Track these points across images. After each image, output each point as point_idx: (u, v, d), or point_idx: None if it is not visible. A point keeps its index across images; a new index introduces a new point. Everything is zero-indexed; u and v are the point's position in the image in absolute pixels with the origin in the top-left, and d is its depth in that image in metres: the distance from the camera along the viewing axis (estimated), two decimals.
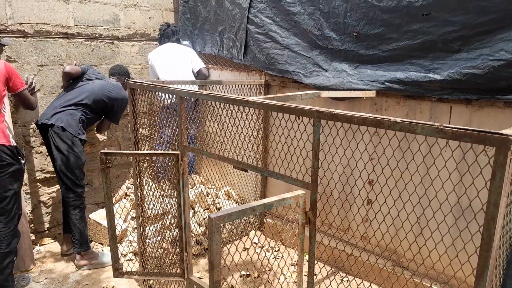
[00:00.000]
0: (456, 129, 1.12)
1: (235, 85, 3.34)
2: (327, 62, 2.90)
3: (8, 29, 3.19)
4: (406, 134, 1.44)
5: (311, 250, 1.68)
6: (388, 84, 2.56)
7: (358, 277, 2.87)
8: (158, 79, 3.78)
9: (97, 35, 3.74)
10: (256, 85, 3.45)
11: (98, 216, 3.46)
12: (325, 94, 2.39)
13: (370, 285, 1.88)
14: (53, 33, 3.45)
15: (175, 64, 3.85)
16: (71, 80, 3.31)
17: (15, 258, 2.66)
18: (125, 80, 3.53)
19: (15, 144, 2.63)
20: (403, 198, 1.71)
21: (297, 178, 1.65)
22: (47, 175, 3.53)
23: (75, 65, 3.47)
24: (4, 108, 2.70)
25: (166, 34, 4.03)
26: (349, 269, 2.90)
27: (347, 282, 2.87)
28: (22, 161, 2.67)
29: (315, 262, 1.71)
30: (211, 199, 3.74)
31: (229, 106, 2.07)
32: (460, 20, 2.19)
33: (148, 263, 2.63)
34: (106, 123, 3.48)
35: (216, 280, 1.42)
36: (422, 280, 2.40)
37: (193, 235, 3.28)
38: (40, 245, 3.45)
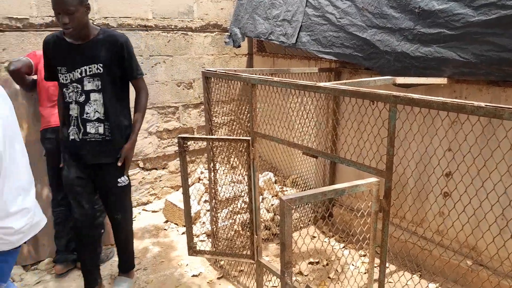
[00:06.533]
0: None
1: (304, 73, 3.33)
2: (384, 42, 2.71)
3: (94, 23, 3.47)
4: (491, 120, 1.35)
5: (384, 239, 1.66)
6: (461, 69, 2.32)
7: (431, 272, 2.76)
8: None
9: (172, 27, 3.93)
10: (325, 72, 3.42)
11: (174, 198, 3.68)
12: (401, 80, 2.30)
13: (445, 280, 1.81)
14: (133, 26, 3.70)
15: None
16: None
17: (103, 231, 2.95)
18: None
19: None
20: (485, 190, 1.61)
21: (370, 166, 1.63)
22: None
23: None
24: None
25: None
26: (422, 263, 2.79)
27: (419, 276, 2.77)
28: None
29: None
30: (279, 186, 3.80)
31: (299, 92, 2.08)
32: None
33: (219, 244, 2.75)
34: None
35: (288, 261, 1.46)
36: (504, 279, 2.25)
37: (262, 220, 3.36)
38: None
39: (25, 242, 1.76)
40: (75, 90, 2.32)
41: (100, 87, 2.32)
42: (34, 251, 3.01)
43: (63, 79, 2.32)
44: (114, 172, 2.46)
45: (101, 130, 2.37)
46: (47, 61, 2.39)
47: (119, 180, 2.50)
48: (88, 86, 2.32)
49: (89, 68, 2.30)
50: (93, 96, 2.33)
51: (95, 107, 2.34)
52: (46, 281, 2.82)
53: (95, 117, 2.35)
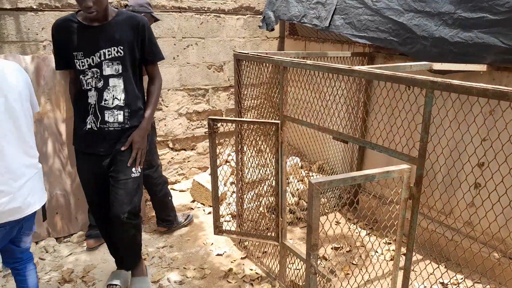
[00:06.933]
0: None
1: (337, 57, 3.28)
2: (421, 27, 2.64)
3: (128, 4, 3.51)
4: None
5: (412, 226, 1.63)
6: (503, 56, 2.23)
7: (458, 263, 2.71)
8: None
9: (205, 9, 3.93)
10: (358, 57, 3.35)
11: (201, 178, 3.74)
12: (438, 66, 2.23)
13: (471, 272, 1.77)
14: (167, 7, 3.72)
15: None
16: None
17: (170, 198, 3.24)
18: None
19: None
20: None
21: (402, 152, 1.60)
22: (158, 139, 3.89)
23: None
24: None
25: None
26: (448, 254, 2.75)
27: (445, 266, 2.73)
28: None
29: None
30: (305, 171, 3.79)
31: (332, 75, 2.05)
32: None
33: (244, 225, 2.79)
34: None
35: (314, 244, 1.47)
36: None
37: (287, 204, 3.37)
38: None
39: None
40: (95, 76, 2.13)
41: (120, 71, 2.15)
42: (67, 225, 3.15)
43: (79, 65, 2.12)
44: (128, 162, 2.24)
45: (120, 118, 2.19)
46: (59, 48, 2.18)
47: (133, 170, 2.26)
48: (107, 70, 2.13)
49: (108, 51, 2.11)
50: (112, 81, 2.15)
51: (114, 94, 2.16)
52: (77, 253, 2.95)
53: (114, 104, 2.17)
